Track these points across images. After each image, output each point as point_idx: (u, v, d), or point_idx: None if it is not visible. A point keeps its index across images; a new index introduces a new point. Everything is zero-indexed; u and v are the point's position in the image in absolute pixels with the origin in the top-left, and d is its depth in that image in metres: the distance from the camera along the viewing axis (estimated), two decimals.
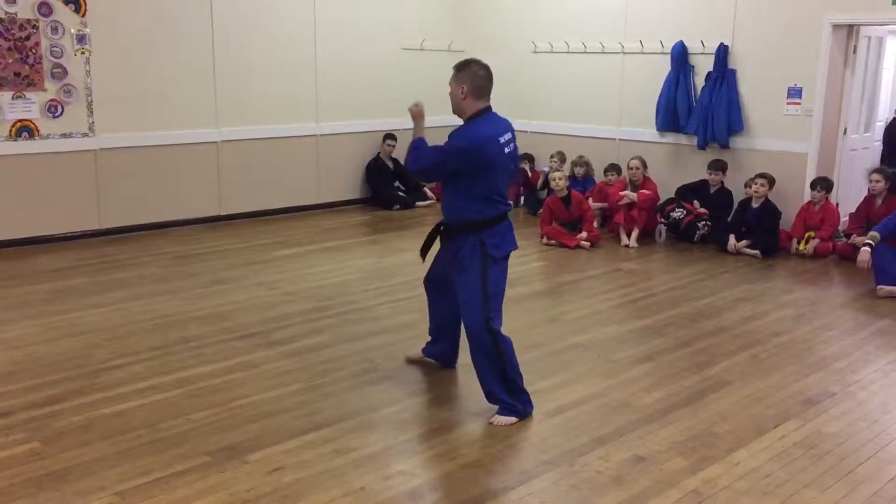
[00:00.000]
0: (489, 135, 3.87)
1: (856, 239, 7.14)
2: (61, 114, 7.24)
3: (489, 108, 3.99)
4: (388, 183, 9.58)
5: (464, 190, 3.90)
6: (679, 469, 3.50)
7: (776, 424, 3.97)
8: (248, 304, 5.70)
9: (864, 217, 7.38)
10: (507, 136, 3.96)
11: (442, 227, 4.15)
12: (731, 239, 7.53)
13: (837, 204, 7.80)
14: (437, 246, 4.28)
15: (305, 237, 7.92)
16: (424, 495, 3.28)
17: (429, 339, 4.64)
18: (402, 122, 9.76)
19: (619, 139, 9.06)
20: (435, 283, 4.38)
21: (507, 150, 3.94)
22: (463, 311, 3.98)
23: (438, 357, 4.60)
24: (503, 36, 9.98)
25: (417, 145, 4.04)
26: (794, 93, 7.80)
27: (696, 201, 8.02)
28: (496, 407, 4.00)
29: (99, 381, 4.33)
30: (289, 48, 8.70)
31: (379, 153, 9.59)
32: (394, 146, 9.53)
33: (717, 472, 3.48)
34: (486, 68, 3.97)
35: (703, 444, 3.74)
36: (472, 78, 3.92)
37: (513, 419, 3.93)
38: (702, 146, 8.30)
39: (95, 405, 4.02)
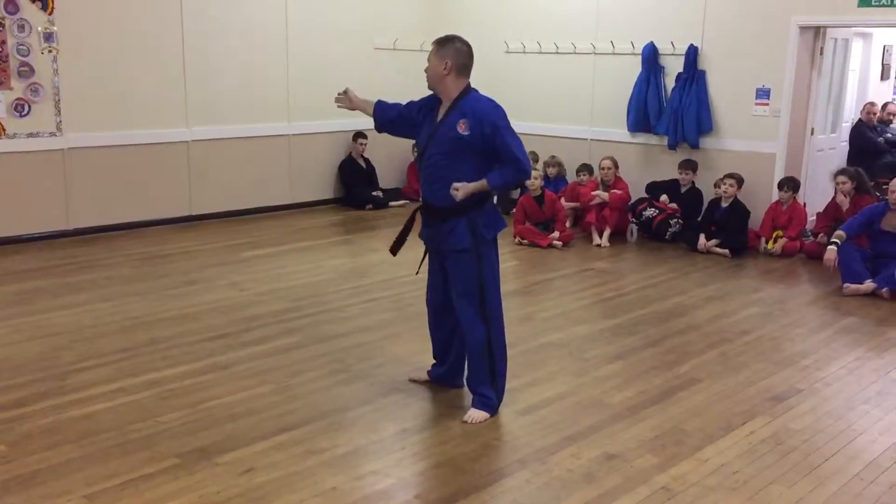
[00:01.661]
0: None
1: (822, 238, 7.25)
2: (28, 113, 7.14)
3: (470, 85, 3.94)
4: (360, 182, 9.55)
5: (470, 170, 3.81)
6: (649, 466, 3.54)
7: (744, 421, 4.02)
8: (218, 306, 5.66)
9: (832, 217, 7.49)
10: None
11: (423, 213, 4.05)
12: (701, 238, 7.61)
13: (805, 203, 7.90)
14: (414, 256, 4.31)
15: (278, 237, 7.88)
16: (396, 495, 3.28)
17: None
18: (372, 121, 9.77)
19: (591, 139, 9.11)
20: (439, 304, 4.17)
21: None
22: (457, 300, 3.94)
23: (447, 379, 4.31)
24: (476, 36, 9.81)
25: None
26: (763, 94, 7.90)
27: (664, 196, 8.08)
28: (468, 405, 4.01)
29: (66, 383, 4.28)
30: (260, 47, 8.65)
31: (351, 153, 9.56)
32: (365, 145, 9.50)
33: (687, 469, 3.52)
34: (469, 45, 3.94)
35: (673, 441, 3.77)
36: (456, 53, 3.85)
37: (486, 416, 3.94)
38: (672, 146, 8.38)
39: (63, 408, 3.97)
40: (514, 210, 8.24)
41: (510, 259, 7.28)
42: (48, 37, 7.16)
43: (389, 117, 4.20)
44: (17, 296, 5.79)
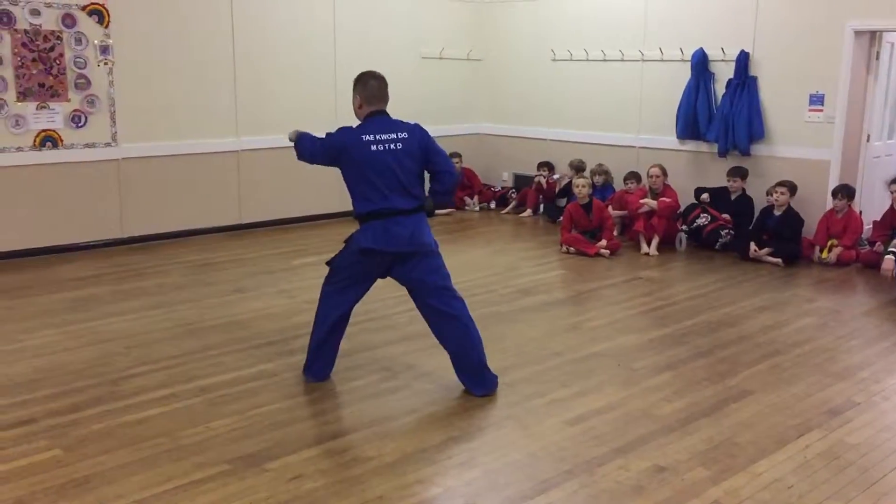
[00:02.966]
0: (355, 135, 4.24)
1: (879, 247, 7.07)
2: (84, 124, 7.32)
3: (380, 111, 4.36)
4: None
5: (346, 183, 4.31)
6: (700, 479, 3.47)
7: (799, 435, 3.93)
8: (267, 313, 5.73)
9: (889, 225, 7.29)
10: (390, 135, 4.24)
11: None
12: (752, 245, 7.47)
13: (860, 211, 7.71)
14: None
15: (326, 245, 7.93)
16: None
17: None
18: None
19: (639, 147, 9.02)
20: (347, 310, 4.57)
21: (375, 147, 4.19)
22: (441, 295, 4.32)
23: (327, 374, 4.57)
24: (522, 44, 9.99)
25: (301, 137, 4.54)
26: (816, 100, 7.74)
27: (705, 195, 8.01)
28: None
29: (120, 388, 4.36)
30: (308, 58, 8.75)
31: None
32: None
33: (740, 483, 3.44)
34: (379, 77, 4.36)
35: (725, 454, 3.70)
36: (363, 89, 4.31)
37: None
38: (722, 154, 8.25)
39: (117, 413, 4.05)
40: (561, 218, 8.21)
41: (557, 268, 7.23)
42: (104, 49, 7.35)
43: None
44: (73, 302, 5.92)
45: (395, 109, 10.71)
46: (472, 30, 10.19)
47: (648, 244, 7.86)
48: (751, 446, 3.79)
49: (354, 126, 4.31)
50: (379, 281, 6.69)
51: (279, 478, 3.43)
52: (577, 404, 4.24)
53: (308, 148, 4.45)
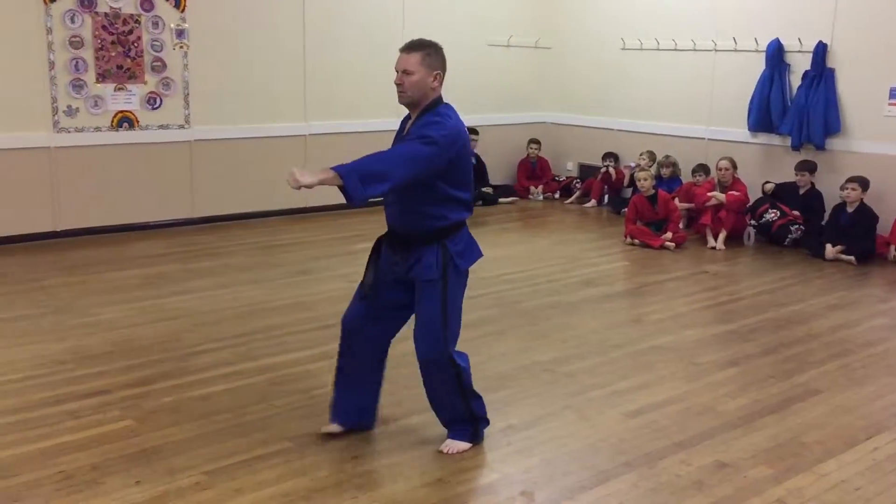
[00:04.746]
0: (461, 124, 3.41)
1: None
2: (160, 106, 7.52)
3: None
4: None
5: (439, 194, 3.35)
6: (763, 477, 3.41)
7: (868, 436, 3.82)
8: (330, 295, 5.81)
9: None
10: None
11: (385, 240, 3.57)
12: (828, 247, 7.23)
13: None
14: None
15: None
16: (501, 490, 3.29)
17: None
18: (484, 118, 9.81)
19: (708, 139, 8.85)
20: (361, 324, 3.57)
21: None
22: (420, 334, 3.44)
23: (358, 418, 3.70)
24: (591, 32, 9.87)
25: (364, 164, 3.19)
26: None
27: (769, 184, 7.84)
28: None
29: (188, 364, 4.49)
30: (377, 45, 8.79)
31: None
32: (476, 141, 9.53)
33: (804, 483, 3.37)
34: None
35: (790, 454, 3.63)
36: (443, 64, 3.37)
37: (466, 445, 3.57)
38: (796, 147, 8.04)
39: (184, 388, 4.17)
40: (625, 209, 8.12)
41: (620, 259, 7.16)
42: (180, 33, 7.53)
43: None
44: (143, 280, 6.11)
45: (460, 97, 10.72)
46: (541, 17, 10.11)
47: (715, 238, 7.71)
48: (817, 446, 3.71)
49: (444, 107, 3.39)
50: None
51: (340, 457, 3.49)
52: (638, 397, 4.21)
53: (405, 169, 3.20)
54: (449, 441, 3.59)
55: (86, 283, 5.97)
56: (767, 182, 7.95)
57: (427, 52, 3.34)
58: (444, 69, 3.38)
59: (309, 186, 3.03)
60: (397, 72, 3.36)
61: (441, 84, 3.39)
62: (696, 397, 4.22)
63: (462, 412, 3.57)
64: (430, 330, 3.42)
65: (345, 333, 3.61)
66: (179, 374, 4.35)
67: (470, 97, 9.64)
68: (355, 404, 3.65)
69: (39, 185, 7.05)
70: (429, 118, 3.34)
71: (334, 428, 3.65)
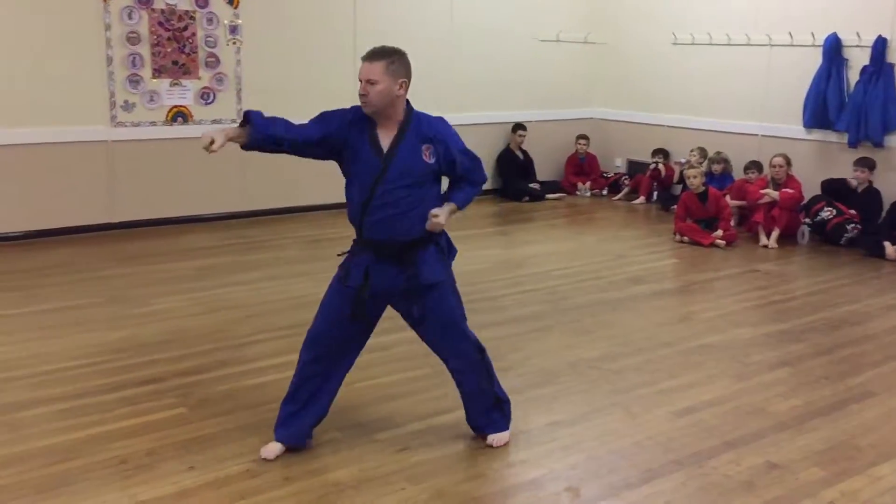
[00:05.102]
0: None
1: None
2: (213, 101, 7.66)
3: None
4: (517, 174, 9.57)
5: (434, 197, 3.37)
6: (816, 480, 3.35)
7: None
8: None
9: None
10: None
11: (369, 259, 3.36)
12: (888, 246, 7.05)
13: None
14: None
15: None
16: (546, 486, 3.29)
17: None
18: (532, 114, 9.78)
19: (762, 135, 8.69)
20: (350, 346, 3.52)
21: None
22: (444, 338, 3.45)
23: (306, 439, 3.51)
24: (642, 27, 9.77)
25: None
26: None
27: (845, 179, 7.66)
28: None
29: (240, 354, 4.57)
30: (427, 40, 8.81)
31: (509, 144, 9.60)
32: (524, 136, 9.52)
33: (858, 486, 3.31)
34: None
35: (844, 456, 3.56)
36: (408, 72, 3.29)
37: (508, 433, 3.61)
38: (853, 144, 7.86)
39: (237, 377, 4.25)
40: (675, 206, 8.02)
41: (669, 257, 7.08)
42: (233, 29, 7.65)
43: (293, 136, 3.31)
44: (197, 271, 6.23)
45: (510, 93, 10.78)
46: (591, 12, 10.03)
47: (768, 236, 7.58)
48: (871, 449, 3.63)
49: (424, 115, 3.45)
50: (486, 263, 6.77)
51: (387, 448, 3.53)
52: (686, 395, 4.17)
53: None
54: (493, 436, 3.58)
55: (141, 273, 6.12)
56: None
57: (391, 59, 3.23)
58: (409, 77, 3.28)
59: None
60: (361, 81, 3.23)
61: (406, 92, 3.30)
62: (747, 397, 4.17)
63: (492, 400, 3.57)
64: (454, 329, 3.45)
65: (321, 354, 3.43)
66: (231, 363, 4.44)
67: (518, 93, 9.64)
68: (309, 424, 3.48)
69: (97, 178, 7.23)
70: (440, 128, 3.38)
71: (277, 449, 3.43)
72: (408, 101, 3.37)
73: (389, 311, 3.59)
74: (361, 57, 3.29)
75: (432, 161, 3.32)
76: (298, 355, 3.50)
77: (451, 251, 3.52)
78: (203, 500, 3.09)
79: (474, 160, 3.49)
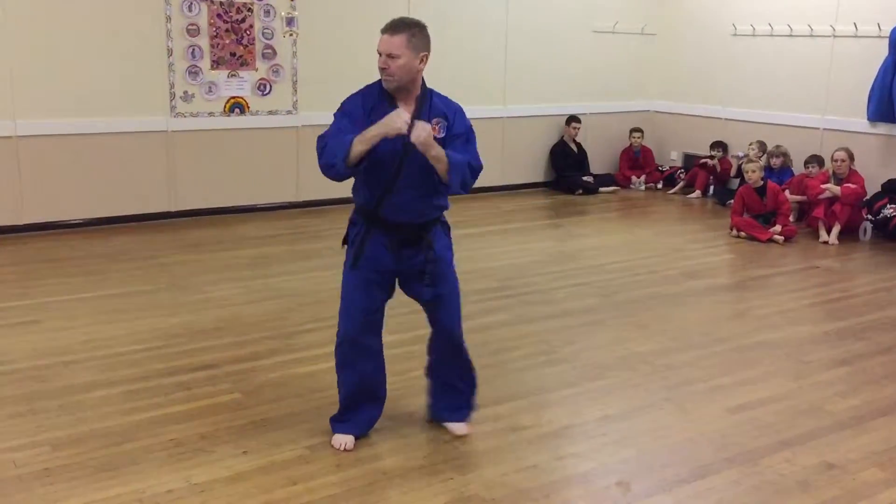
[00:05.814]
0: None
1: None
2: (269, 92, 7.76)
3: None
4: (571, 167, 9.50)
5: (433, 176, 3.25)
6: (874, 481, 3.27)
7: None
8: None
9: None
10: None
11: (386, 241, 3.34)
12: None
13: None
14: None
15: (486, 218, 8.03)
16: (596, 479, 3.27)
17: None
18: (587, 106, 9.68)
19: (823, 129, 8.47)
20: (376, 332, 3.48)
21: None
22: (449, 314, 3.44)
23: (364, 429, 3.53)
24: (700, 18, 9.59)
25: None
26: None
27: None
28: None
29: (293, 342, 4.64)
30: (482, 30, 8.81)
31: (563, 136, 9.53)
32: (578, 129, 9.44)
33: None
34: None
35: None
36: (428, 45, 3.20)
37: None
38: None
39: (289, 364, 4.31)
40: (731, 201, 7.88)
41: (725, 252, 6.96)
42: (290, 21, 7.74)
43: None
44: (252, 259, 6.33)
45: (567, 84, 10.68)
46: (648, 3, 9.88)
47: (828, 232, 7.40)
48: None
49: (437, 94, 3.39)
50: (539, 255, 6.74)
51: (436, 438, 3.55)
52: (741, 392, 4.10)
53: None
54: (462, 425, 3.57)
55: (199, 261, 6.24)
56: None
57: (412, 32, 3.13)
58: (429, 50, 3.18)
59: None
60: (380, 55, 3.14)
61: (425, 66, 3.20)
62: (804, 395, 4.08)
63: (469, 386, 3.59)
64: (456, 306, 3.46)
65: (359, 348, 3.41)
66: (285, 351, 4.51)
67: (573, 85, 9.56)
68: (374, 414, 3.54)
69: (157, 167, 7.39)
70: (452, 104, 3.33)
71: (350, 441, 3.45)
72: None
73: (418, 306, 3.59)
74: (381, 29, 3.18)
75: (441, 136, 3.25)
76: (338, 365, 3.46)
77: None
78: (256, 485, 3.15)
79: (473, 143, 3.36)
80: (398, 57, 3.12)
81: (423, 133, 3.09)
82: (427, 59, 3.20)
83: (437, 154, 3.14)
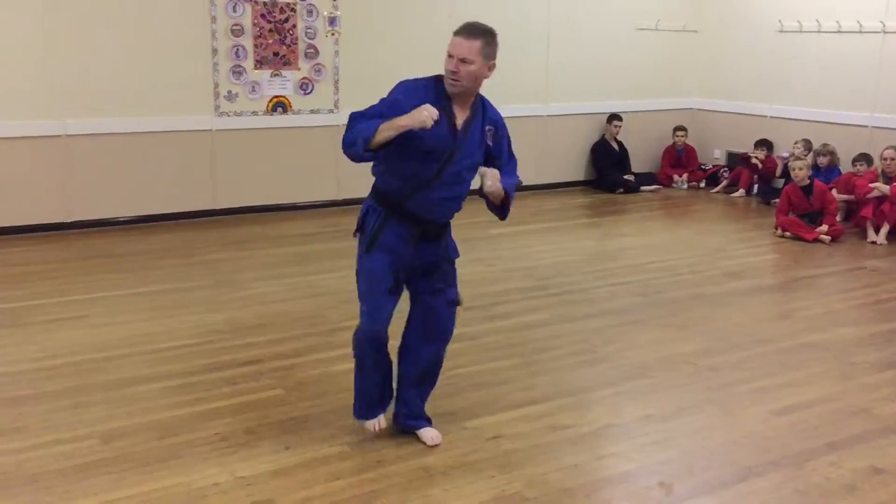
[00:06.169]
0: None
1: None
2: (311, 91, 7.83)
3: None
4: (612, 166, 9.42)
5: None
6: None
7: None
8: (466, 279, 5.84)
9: None
10: None
11: (415, 233, 3.34)
12: None
13: None
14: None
15: (525, 217, 8.00)
16: (638, 480, 3.25)
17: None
18: (629, 104, 9.60)
19: (872, 126, 8.30)
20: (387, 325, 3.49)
21: None
22: (450, 313, 3.50)
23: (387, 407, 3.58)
24: (746, 14, 9.45)
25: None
26: None
27: None
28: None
29: (333, 339, 4.67)
30: (524, 28, 8.77)
31: (605, 135, 9.46)
32: (620, 127, 9.37)
33: None
34: None
35: None
36: (496, 52, 3.16)
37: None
38: None
39: (330, 362, 4.35)
40: (776, 200, 7.75)
41: (769, 252, 6.86)
42: (332, 21, 7.79)
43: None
44: (293, 257, 6.40)
45: (609, 82, 10.60)
46: (692, 0, 9.77)
47: (876, 232, 7.24)
48: None
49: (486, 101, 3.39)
50: (579, 254, 6.70)
51: (478, 436, 3.55)
52: (786, 394, 4.04)
53: None
54: (434, 430, 3.51)
55: (241, 258, 6.32)
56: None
57: (487, 40, 3.08)
58: (496, 59, 3.15)
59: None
60: (452, 57, 3.07)
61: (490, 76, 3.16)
62: (850, 398, 4.01)
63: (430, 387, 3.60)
64: (454, 307, 3.49)
65: (379, 343, 3.44)
66: (325, 348, 4.54)
67: (616, 82, 9.49)
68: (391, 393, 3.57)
69: (201, 166, 7.50)
70: (499, 115, 3.36)
71: (382, 420, 3.50)
72: None
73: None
74: (455, 31, 3.11)
75: (491, 144, 3.29)
76: (358, 359, 3.46)
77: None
78: (299, 480, 3.19)
79: (515, 158, 3.49)
80: (471, 63, 3.06)
81: (495, 183, 3.19)
82: (494, 68, 3.15)
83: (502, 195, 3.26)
